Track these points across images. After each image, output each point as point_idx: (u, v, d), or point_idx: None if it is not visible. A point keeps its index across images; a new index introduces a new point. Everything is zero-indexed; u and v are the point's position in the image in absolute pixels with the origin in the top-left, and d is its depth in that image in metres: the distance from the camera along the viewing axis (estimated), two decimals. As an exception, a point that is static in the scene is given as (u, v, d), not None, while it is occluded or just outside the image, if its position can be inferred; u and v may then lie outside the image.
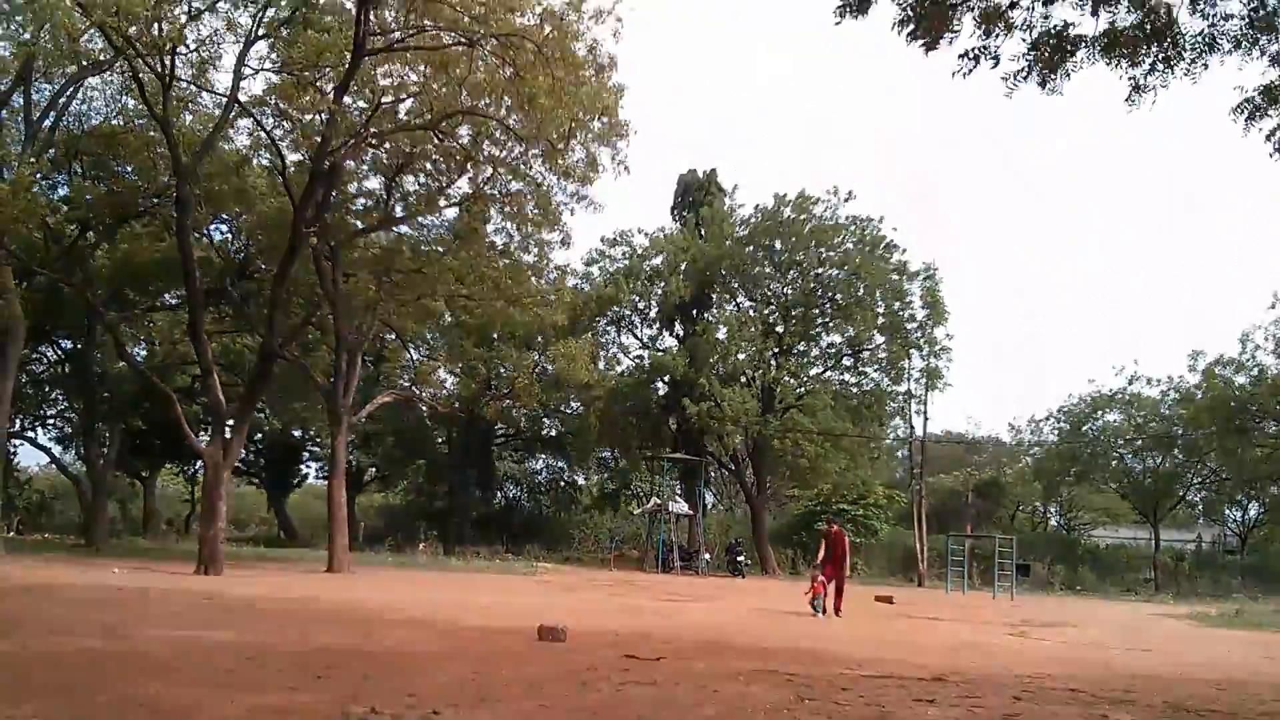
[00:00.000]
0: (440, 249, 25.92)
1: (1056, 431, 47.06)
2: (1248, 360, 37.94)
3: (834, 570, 17.89)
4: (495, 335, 34.82)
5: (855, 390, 40.12)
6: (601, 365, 40.12)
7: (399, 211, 25.27)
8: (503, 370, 38.33)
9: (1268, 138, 9.43)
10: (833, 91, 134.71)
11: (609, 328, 42.13)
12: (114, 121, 26.87)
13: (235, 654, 8.23)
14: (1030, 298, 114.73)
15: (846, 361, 40.32)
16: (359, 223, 26.04)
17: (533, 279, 27.14)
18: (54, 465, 41.82)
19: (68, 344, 35.81)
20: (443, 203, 24.79)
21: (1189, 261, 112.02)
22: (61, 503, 48.93)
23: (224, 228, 29.54)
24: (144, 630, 9.54)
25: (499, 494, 52.06)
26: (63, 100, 25.49)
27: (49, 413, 41.58)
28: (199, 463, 32.95)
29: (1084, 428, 45.40)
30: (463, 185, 24.28)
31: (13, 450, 38.54)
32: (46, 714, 5.27)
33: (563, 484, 52.91)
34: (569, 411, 45.90)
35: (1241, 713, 7.63)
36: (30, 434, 40.24)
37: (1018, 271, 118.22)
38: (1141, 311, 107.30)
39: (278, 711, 5.90)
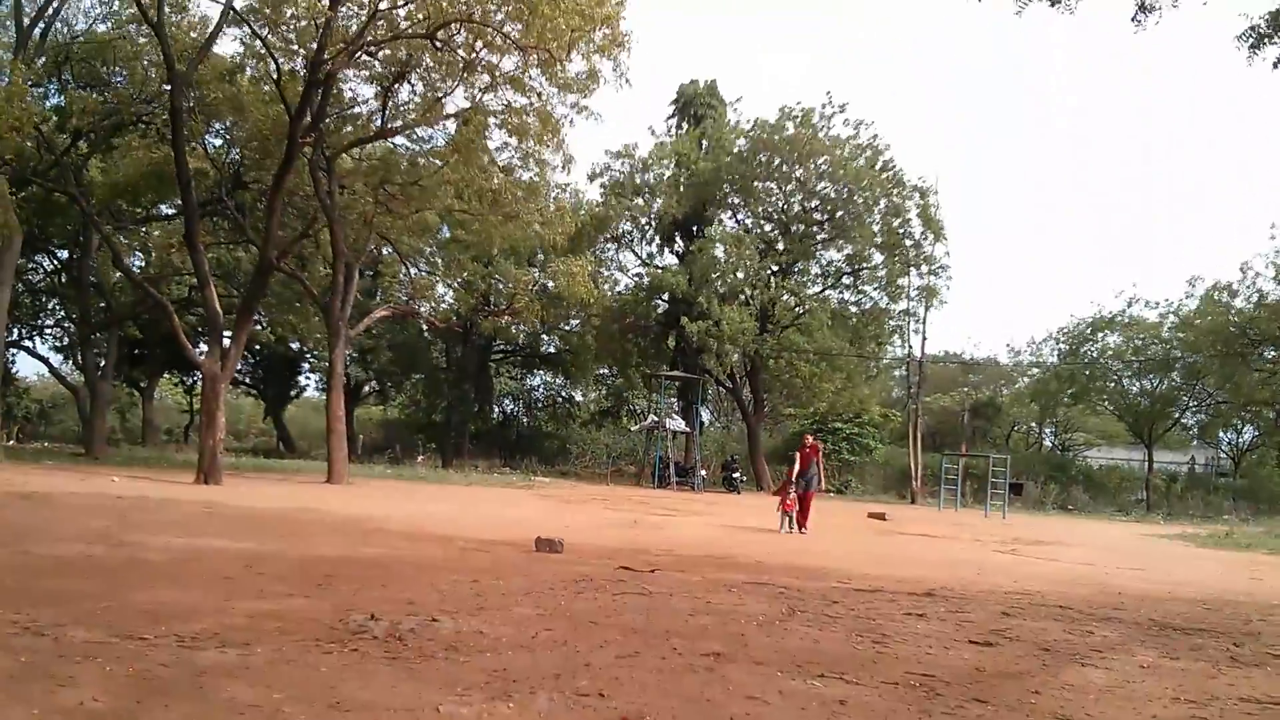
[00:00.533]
0: (438, 162, 25.59)
1: (1056, 353, 47.13)
2: (1247, 287, 37.89)
3: (801, 484, 17.57)
4: (494, 251, 34.55)
5: (853, 309, 40.00)
6: (601, 282, 39.97)
7: (395, 123, 24.90)
8: (501, 286, 38.20)
9: (1275, 65, 9.25)
10: (836, 4, 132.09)
11: (608, 244, 41.88)
12: (104, 28, 26.37)
13: (235, 562, 8.30)
14: (1036, 219, 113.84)
15: (845, 280, 40.13)
16: (355, 133, 25.69)
17: (525, 196, 26.81)
18: (52, 375, 41.90)
19: (64, 254, 35.63)
20: (440, 115, 24.39)
21: (1191, 188, 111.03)
22: (60, 412, 49.20)
23: (219, 140, 29.21)
24: (144, 538, 9.62)
25: (497, 409, 52.30)
26: (52, 7, 24.98)
27: (46, 322, 41.54)
28: (197, 374, 33.01)
29: (1082, 349, 45.44)
30: (460, 99, 23.89)
31: (11, 360, 38.61)
32: (49, 619, 5.32)
33: (561, 400, 53.10)
34: (568, 329, 45.88)
35: (1228, 631, 7.74)
36: (28, 343, 40.28)
37: (1023, 193, 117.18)
38: (1143, 236, 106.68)
39: (278, 617, 5.96)
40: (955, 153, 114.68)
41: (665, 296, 38.72)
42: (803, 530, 17.04)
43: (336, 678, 4.51)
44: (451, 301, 39.60)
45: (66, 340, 41.54)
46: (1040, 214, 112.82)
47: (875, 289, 39.60)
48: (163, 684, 4.16)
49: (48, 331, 42.29)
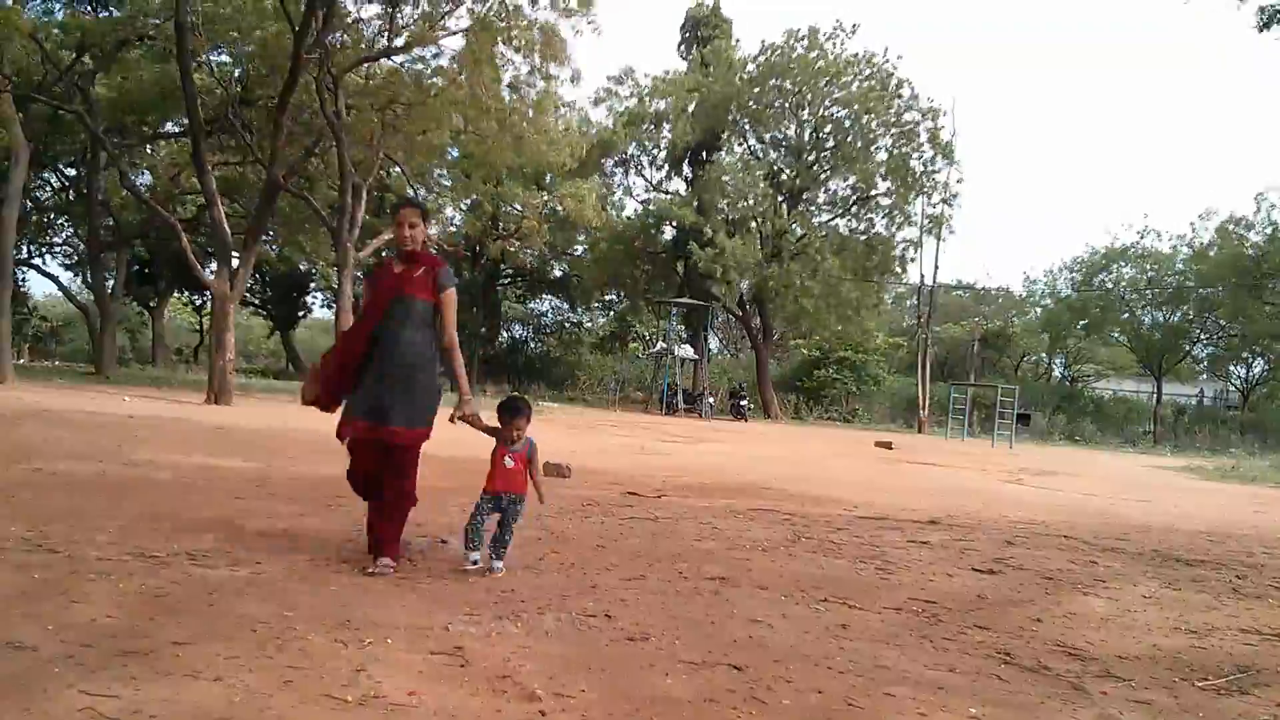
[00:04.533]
0: (444, 81, 25.22)
1: (1070, 283, 46.86)
2: (1262, 219, 37.52)
3: None
4: (502, 171, 34.22)
5: (861, 237, 39.71)
6: (609, 208, 39.71)
7: (400, 40, 24.50)
8: (509, 209, 37.95)
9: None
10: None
11: (616, 169, 41.53)
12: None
13: (246, 481, 8.37)
14: (1054, 147, 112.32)
15: (853, 209, 39.76)
16: (360, 52, 25.32)
17: (533, 113, 26.44)
18: (62, 293, 41.97)
19: (71, 172, 35.44)
20: (445, 29, 23.97)
21: (1206, 121, 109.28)
22: (71, 331, 49.42)
23: (224, 57, 28.81)
24: (155, 457, 9.69)
25: (505, 334, 52.35)
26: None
27: (55, 240, 41.49)
28: (207, 294, 33.02)
29: (1096, 280, 45.17)
30: (464, 16, 23.49)
31: (21, 278, 38.66)
32: (62, 536, 5.38)
33: (568, 326, 53.09)
34: (576, 253, 45.68)
35: (1230, 563, 7.78)
36: (37, 261, 40.29)
37: (1040, 122, 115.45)
38: (1157, 168, 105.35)
39: (289, 535, 6.03)
40: (971, 79, 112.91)
41: (672, 223, 38.45)
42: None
43: (347, 597, 4.56)
44: (459, 224, 39.40)
45: (76, 259, 41.55)
46: (1059, 141, 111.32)
47: (883, 217, 39.24)
48: (175, 601, 4.21)
49: (57, 249, 42.31)
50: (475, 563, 5.28)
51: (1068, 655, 4.52)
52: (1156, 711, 3.72)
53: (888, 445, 23.87)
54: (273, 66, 24.42)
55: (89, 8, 26.72)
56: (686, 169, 40.32)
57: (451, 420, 5.40)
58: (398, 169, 31.15)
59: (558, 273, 49.08)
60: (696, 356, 39.41)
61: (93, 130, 24.74)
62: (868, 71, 36.59)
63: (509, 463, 5.40)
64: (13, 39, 20.05)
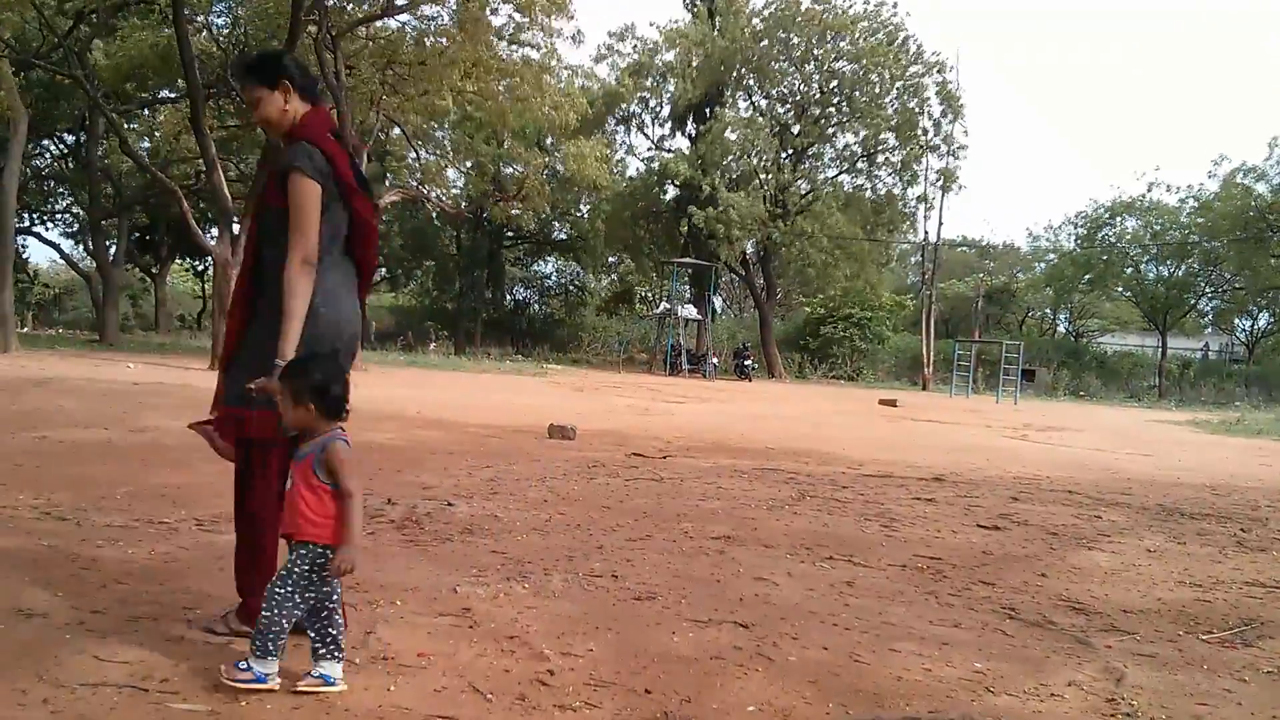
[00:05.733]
0: (444, 41, 25.02)
1: (1074, 238, 46.66)
2: (1272, 167, 37.20)
3: None
4: (505, 133, 34.00)
5: (868, 194, 39.45)
6: (611, 167, 39.48)
7: (400, 1, 24.28)
8: (511, 170, 37.78)
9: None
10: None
11: (618, 127, 41.25)
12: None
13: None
14: (1056, 101, 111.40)
15: (860, 165, 39.49)
16: (359, 12, 25.10)
17: (535, 74, 26.23)
18: (64, 261, 41.92)
19: (70, 139, 35.27)
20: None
21: (1218, 68, 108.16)
22: (73, 299, 49.43)
23: (222, 19, 28.60)
24: (161, 423, 9.72)
25: (509, 296, 52.31)
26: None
27: (56, 208, 41.38)
28: (209, 259, 32.96)
29: (1100, 235, 44.95)
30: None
31: (22, 246, 38.61)
32: (70, 504, 5.41)
33: (572, 287, 53.05)
34: (579, 215, 45.52)
35: (1234, 516, 7.81)
36: (38, 229, 40.21)
37: (1043, 74, 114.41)
38: (1167, 118, 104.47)
39: (293, 501, 6.04)
40: (975, 25, 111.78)
41: (676, 182, 38.27)
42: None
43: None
44: (462, 187, 39.24)
45: (77, 226, 41.46)
46: (1063, 94, 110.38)
47: (890, 173, 39.00)
48: (183, 567, 4.24)
49: (58, 217, 42.19)
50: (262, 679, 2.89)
51: (1072, 610, 4.54)
52: (1161, 664, 3.75)
53: (892, 403, 23.89)
54: (272, 29, 24.21)
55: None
56: (690, 126, 40.05)
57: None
58: (397, 130, 30.98)
59: (561, 235, 48.94)
60: (700, 317, 39.37)
61: (92, 96, 24.60)
62: (875, 25, 36.24)
63: (288, 482, 3.04)
64: (11, 6, 19.89)
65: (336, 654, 2.95)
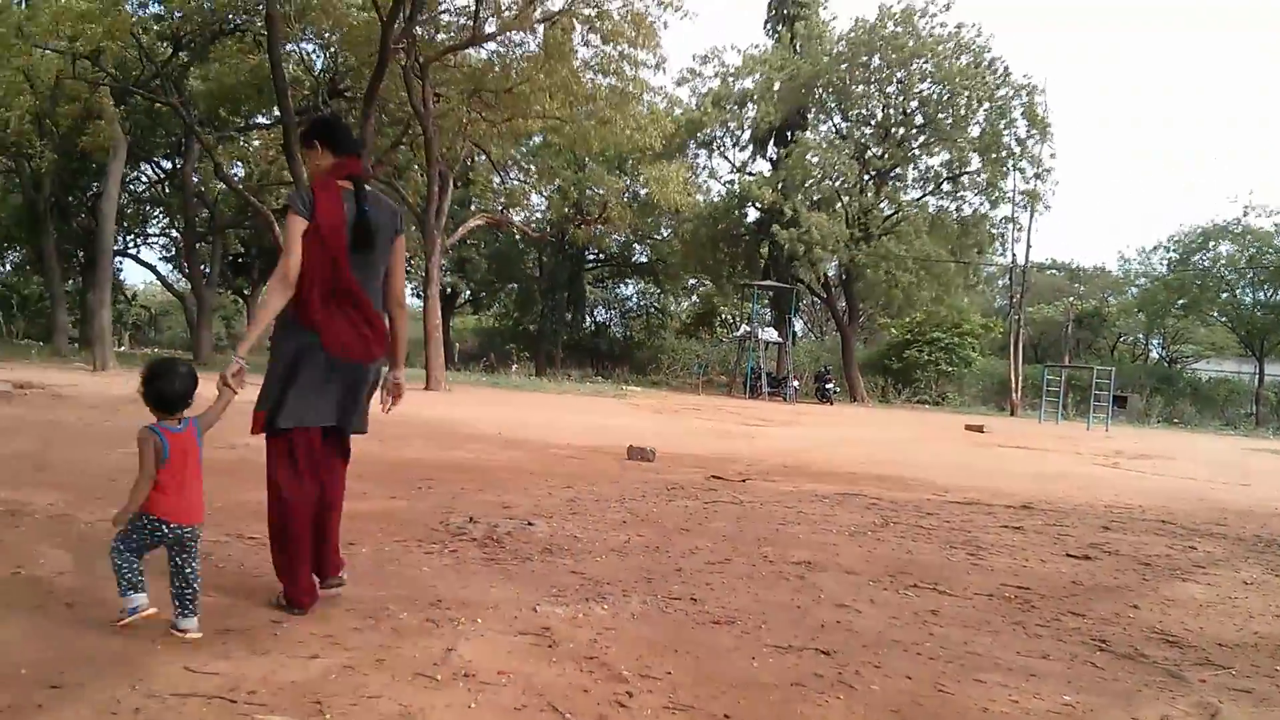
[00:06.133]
0: (530, 69, 25.41)
1: (1166, 262, 45.38)
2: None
3: None
4: (586, 158, 34.34)
5: (953, 216, 38.93)
6: (693, 191, 39.62)
7: (488, 28, 24.72)
8: (593, 193, 38.13)
9: None
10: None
11: (699, 151, 41.41)
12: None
13: (338, 464, 8.56)
14: (1147, 124, 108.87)
15: (944, 186, 39.01)
16: (448, 40, 25.61)
17: (618, 100, 26.46)
18: (159, 282, 43.35)
19: (167, 164, 36.54)
20: (534, 17, 24.12)
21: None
22: (168, 319, 51.10)
23: (314, 47, 29.44)
24: (250, 440, 9.93)
25: (589, 318, 52.69)
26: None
27: (152, 231, 42.89)
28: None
29: (1194, 259, 43.65)
30: (553, 4, 23.60)
31: (120, 268, 40.07)
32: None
33: (652, 309, 53.20)
34: (660, 238, 45.72)
35: (1341, 549, 7.49)
36: (134, 252, 41.70)
37: (1134, 97, 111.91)
38: (1262, 140, 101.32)
39: (380, 517, 6.15)
40: (1064, 47, 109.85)
41: (757, 204, 38.20)
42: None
43: (437, 577, 4.64)
44: (545, 210, 39.71)
45: (173, 249, 42.90)
46: (1156, 116, 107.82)
47: (976, 194, 38.45)
48: (272, 581, 4.32)
49: (154, 240, 43.74)
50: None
51: (1165, 642, 4.40)
52: (1258, 700, 3.60)
53: (979, 429, 23.42)
54: (363, 57, 24.85)
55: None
56: (771, 149, 40.01)
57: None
58: (481, 157, 31.48)
59: (642, 257, 49.20)
60: (781, 339, 39.16)
61: (188, 122, 25.45)
62: (959, 47, 35.87)
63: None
64: (116, 35, 20.74)
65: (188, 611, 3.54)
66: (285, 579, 3.93)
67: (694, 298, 53.37)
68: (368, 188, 4.05)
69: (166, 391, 3.82)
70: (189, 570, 3.57)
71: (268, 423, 4.08)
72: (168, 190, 37.25)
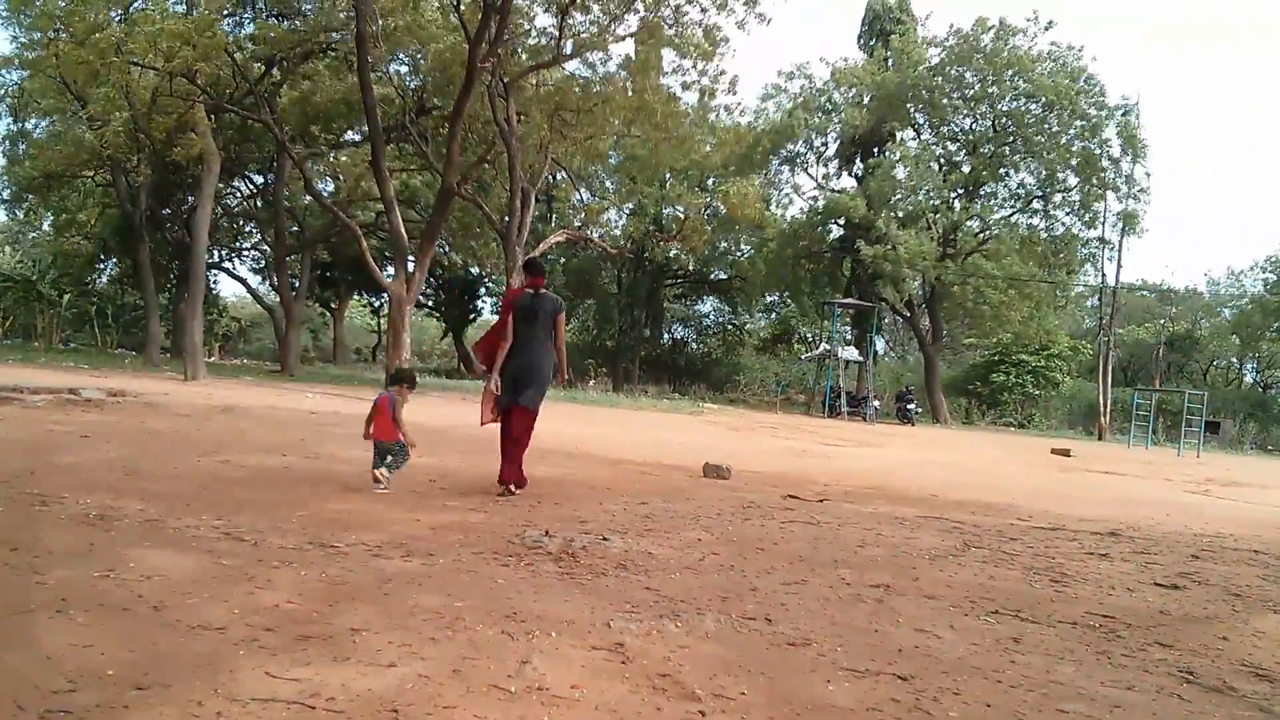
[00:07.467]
0: (610, 87, 25.63)
1: (1260, 283, 43.96)
2: None
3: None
4: (665, 175, 34.47)
5: (1044, 234, 38.18)
6: (774, 206, 39.45)
7: (569, 48, 25.01)
8: (671, 210, 38.21)
9: None
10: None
11: (782, 167, 41.24)
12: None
13: (420, 476, 8.68)
14: (1243, 142, 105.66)
15: (1035, 204, 38.29)
16: (531, 59, 25.96)
17: (695, 117, 26.51)
18: (250, 295, 44.49)
19: (259, 179, 37.53)
20: (615, 35, 24.35)
21: None
22: (258, 330, 52.40)
23: (403, 67, 30.06)
24: (336, 451, 10.16)
25: (667, 335, 52.74)
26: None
27: (244, 245, 44.06)
28: (384, 296, 34.39)
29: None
30: (633, 23, 23.81)
31: (213, 280, 41.20)
32: (249, 525, 5.69)
33: (730, 326, 53.06)
34: (738, 254, 45.62)
35: None
36: (227, 265, 42.86)
37: (1229, 116, 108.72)
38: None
39: (459, 529, 6.21)
40: (1157, 66, 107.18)
41: (840, 221, 37.90)
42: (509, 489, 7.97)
43: (512, 589, 4.67)
44: (624, 227, 39.93)
45: (263, 262, 44.01)
46: (1250, 134, 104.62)
47: (1068, 214, 37.69)
48: (352, 589, 4.39)
49: (245, 254, 44.95)
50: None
51: (1255, 676, 4.23)
52: (1361, 743, 3.44)
53: (1065, 452, 22.88)
54: (448, 76, 25.28)
55: (276, 19, 28.27)
56: (857, 164, 39.72)
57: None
58: (562, 174, 31.78)
59: (720, 275, 49.14)
60: (861, 358, 38.74)
61: (279, 139, 26.12)
62: (1057, 66, 35.29)
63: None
64: (210, 56, 21.38)
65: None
66: (503, 473, 7.98)
67: (773, 314, 53.10)
68: (541, 290, 8.08)
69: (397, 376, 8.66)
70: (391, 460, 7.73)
71: (502, 408, 8.06)
72: (259, 205, 38.24)
